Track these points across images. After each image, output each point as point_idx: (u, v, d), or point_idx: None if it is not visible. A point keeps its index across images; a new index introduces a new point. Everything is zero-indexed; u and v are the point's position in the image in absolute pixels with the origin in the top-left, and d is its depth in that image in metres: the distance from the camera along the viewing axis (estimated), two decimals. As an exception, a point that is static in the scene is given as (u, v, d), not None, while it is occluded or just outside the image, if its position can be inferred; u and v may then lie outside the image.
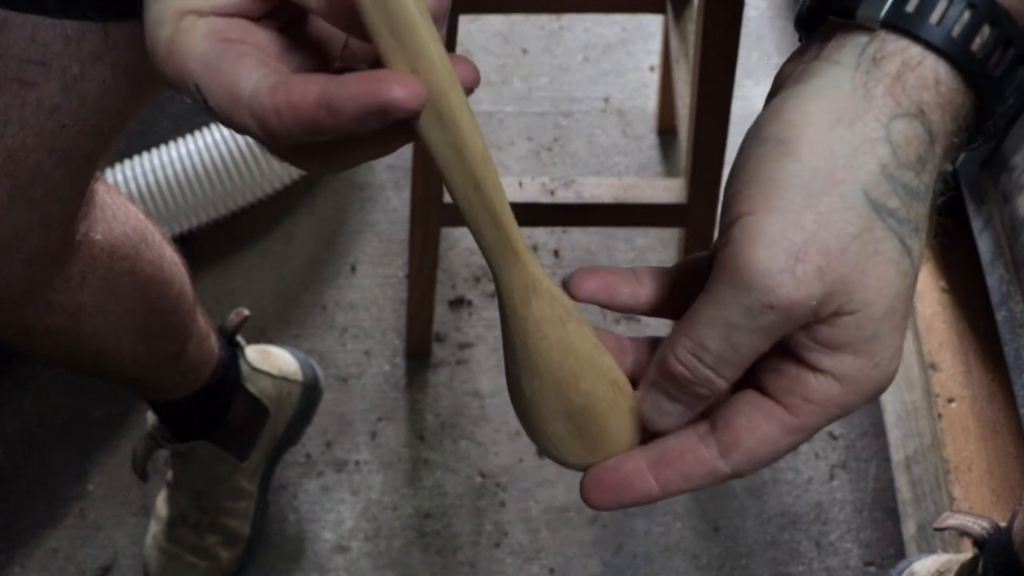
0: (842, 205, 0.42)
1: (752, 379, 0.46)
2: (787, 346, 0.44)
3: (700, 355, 0.43)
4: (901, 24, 0.42)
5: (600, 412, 0.46)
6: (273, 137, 0.39)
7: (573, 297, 0.47)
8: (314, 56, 0.43)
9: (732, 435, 0.45)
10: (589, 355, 0.45)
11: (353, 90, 0.37)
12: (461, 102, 0.39)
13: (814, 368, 0.44)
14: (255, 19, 0.42)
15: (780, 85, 0.45)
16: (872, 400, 0.45)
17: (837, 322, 0.43)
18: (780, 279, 0.41)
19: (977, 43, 0.43)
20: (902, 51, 0.43)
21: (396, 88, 0.37)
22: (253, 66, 0.39)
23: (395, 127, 0.39)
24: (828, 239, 0.41)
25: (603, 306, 0.48)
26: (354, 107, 0.37)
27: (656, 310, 0.49)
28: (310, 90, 0.38)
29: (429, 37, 0.38)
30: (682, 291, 0.48)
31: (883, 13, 0.43)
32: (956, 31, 0.42)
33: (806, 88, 0.43)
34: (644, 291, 0.49)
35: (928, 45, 0.42)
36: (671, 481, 0.46)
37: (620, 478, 0.46)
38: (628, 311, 0.49)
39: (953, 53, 0.42)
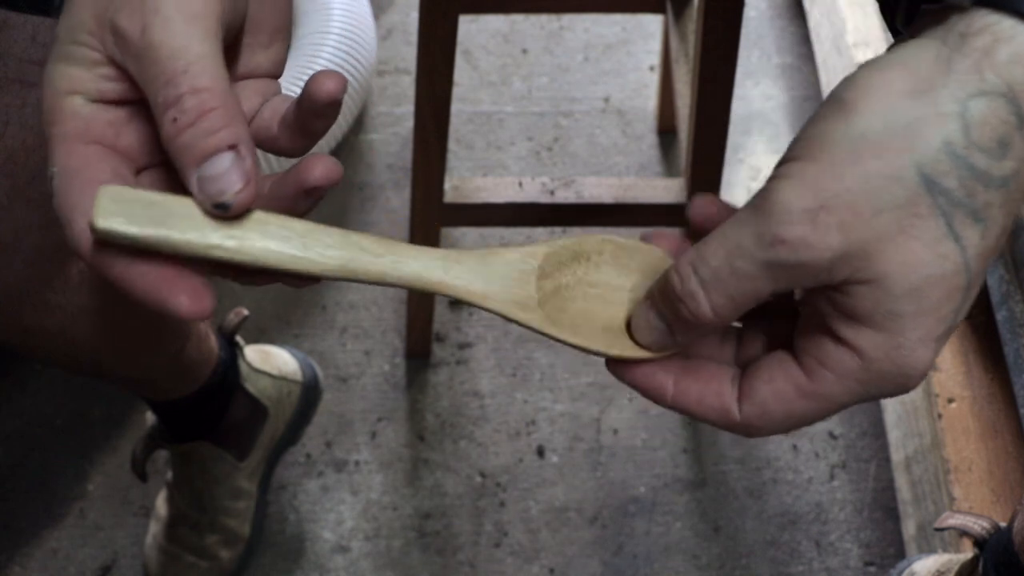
0: (888, 172, 0.40)
1: (788, 345, 0.46)
2: (816, 312, 0.44)
3: (697, 267, 0.43)
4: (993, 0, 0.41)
5: (608, 350, 0.48)
6: (88, 263, 0.42)
7: (689, 217, 0.50)
8: None
9: (750, 382, 0.45)
10: (560, 331, 0.47)
11: (142, 290, 0.40)
12: (284, 257, 0.42)
13: (836, 337, 0.43)
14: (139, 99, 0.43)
15: None
16: (897, 390, 0.43)
17: (851, 290, 0.42)
18: (800, 217, 0.41)
19: None
20: (992, 25, 0.40)
21: (183, 300, 0.40)
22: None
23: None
24: (861, 200, 0.40)
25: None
26: (147, 303, 0.41)
27: None
28: (115, 269, 0.40)
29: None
30: None
31: None
32: None
33: (884, 58, 0.42)
34: None
35: (1022, 16, 0.40)
36: (686, 393, 0.46)
37: (646, 365, 0.47)
38: None
39: None
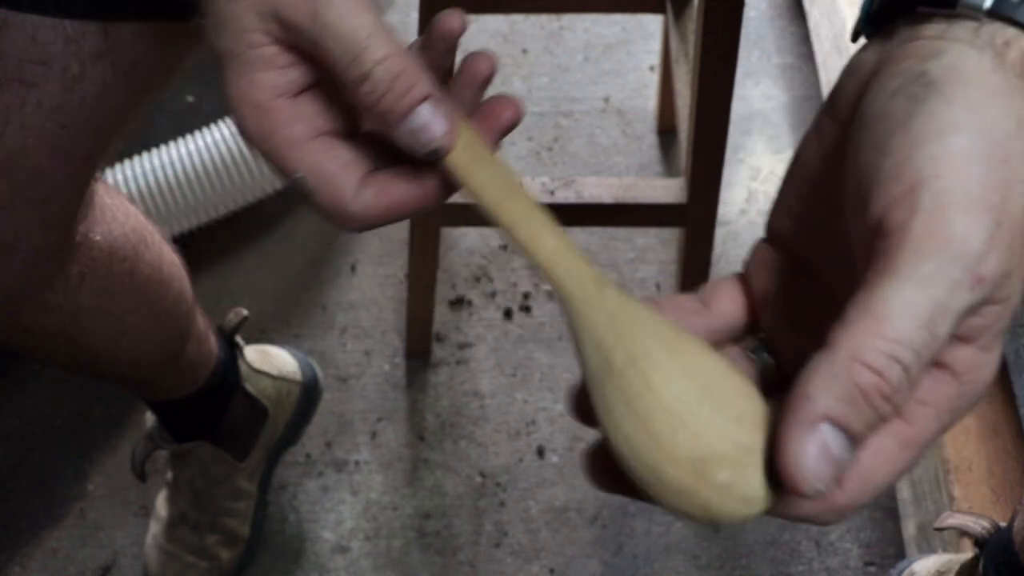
0: (1016, 177, 0.36)
1: None
2: None
3: (898, 354, 0.34)
4: (1008, 13, 0.38)
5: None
6: (366, 228, 0.48)
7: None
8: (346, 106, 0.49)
9: None
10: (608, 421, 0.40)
11: (433, 186, 0.47)
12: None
13: (933, 365, 0.36)
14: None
15: (878, 69, 0.40)
16: (967, 412, 0.38)
17: (982, 311, 0.36)
18: (990, 246, 0.34)
19: None
20: (1016, 39, 0.38)
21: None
22: (355, 179, 0.47)
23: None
24: (1014, 209, 0.36)
25: None
26: (434, 202, 0.47)
27: (742, 331, 0.44)
28: (407, 191, 0.47)
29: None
30: (768, 298, 0.44)
31: (988, 1, 0.38)
32: None
33: (943, 59, 0.38)
34: (718, 319, 0.44)
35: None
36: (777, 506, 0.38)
37: None
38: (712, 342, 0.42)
39: None
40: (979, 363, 0.37)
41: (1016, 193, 0.36)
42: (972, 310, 0.35)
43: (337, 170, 0.46)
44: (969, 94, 0.37)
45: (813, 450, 0.34)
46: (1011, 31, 0.38)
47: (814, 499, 0.36)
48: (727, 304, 0.44)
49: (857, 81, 0.41)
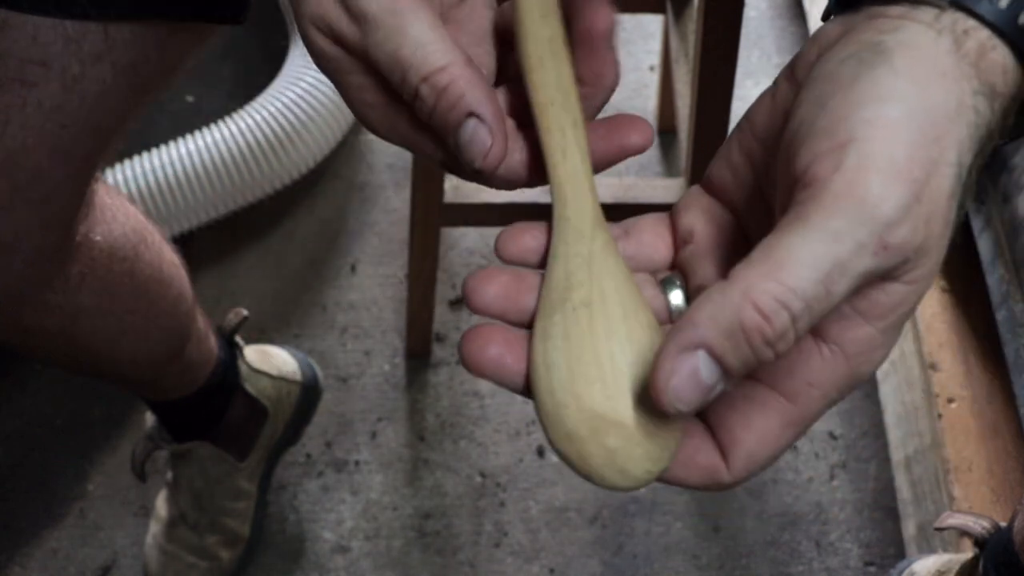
0: (945, 159, 0.36)
1: None
2: None
3: (789, 302, 0.34)
4: (969, 5, 0.39)
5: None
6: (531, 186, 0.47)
7: (471, 307, 0.42)
8: None
9: (726, 431, 0.39)
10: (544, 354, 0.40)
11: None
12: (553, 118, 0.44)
13: (825, 340, 0.38)
14: None
15: (838, 39, 0.41)
16: (853, 390, 0.39)
17: (889, 288, 0.37)
18: (903, 215, 0.35)
19: None
20: (975, 30, 0.39)
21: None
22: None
23: None
24: (937, 189, 0.36)
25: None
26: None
27: None
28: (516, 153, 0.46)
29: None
30: (690, 236, 0.45)
31: None
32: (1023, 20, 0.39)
33: (900, 34, 0.39)
34: (634, 246, 0.45)
35: (1000, 33, 0.39)
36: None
37: None
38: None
39: (1017, 40, 0.39)
40: (874, 345, 0.38)
41: (943, 174, 0.36)
42: (874, 279, 0.36)
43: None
44: (917, 69, 0.37)
45: (684, 372, 0.35)
46: (971, 21, 0.39)
47: (704, 475, 0.39)
48: (649, 236, 0.45)
49: (818, 48, 0.42)
